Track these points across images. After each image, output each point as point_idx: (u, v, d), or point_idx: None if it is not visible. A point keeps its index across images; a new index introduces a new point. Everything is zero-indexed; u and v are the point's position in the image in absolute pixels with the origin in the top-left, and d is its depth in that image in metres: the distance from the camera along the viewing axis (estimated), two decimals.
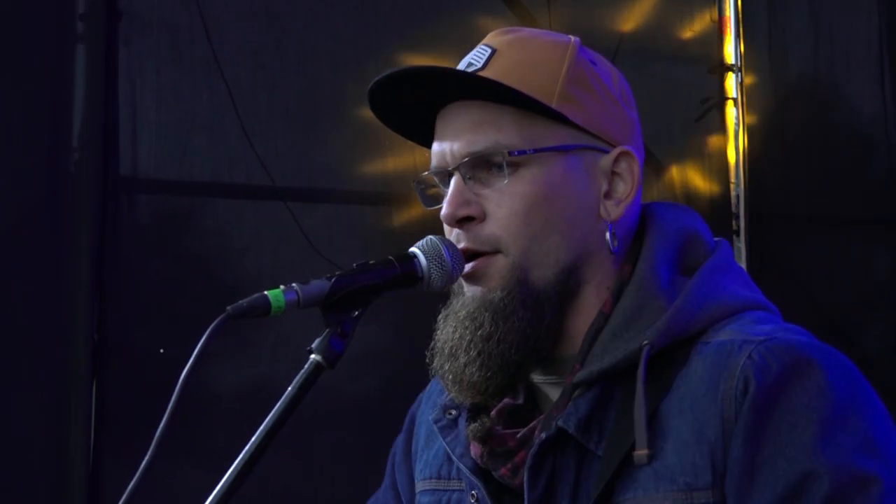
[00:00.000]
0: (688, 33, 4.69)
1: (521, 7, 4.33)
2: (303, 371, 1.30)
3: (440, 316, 1.42)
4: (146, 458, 1.22)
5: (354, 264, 1.34)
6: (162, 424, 1.23)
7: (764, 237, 4.76)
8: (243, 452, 1.26)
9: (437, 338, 1.41)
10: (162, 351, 3.81)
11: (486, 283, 1.37)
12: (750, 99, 4.77)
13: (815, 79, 4.96)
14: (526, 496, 1.34)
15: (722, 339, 1.31)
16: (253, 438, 1.26)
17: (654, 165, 4.53)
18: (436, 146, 1.42)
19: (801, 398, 1.24)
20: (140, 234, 3.97)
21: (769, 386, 1.24)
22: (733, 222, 4.71)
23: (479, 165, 1.38)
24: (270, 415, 1.28)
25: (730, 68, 4.74)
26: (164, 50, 3.94)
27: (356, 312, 1.32)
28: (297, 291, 1.27)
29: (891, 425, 1.30)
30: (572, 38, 1.43)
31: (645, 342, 1.30)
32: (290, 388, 1.29)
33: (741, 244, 4.69)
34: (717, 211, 4.73)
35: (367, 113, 1.47)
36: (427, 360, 1.46)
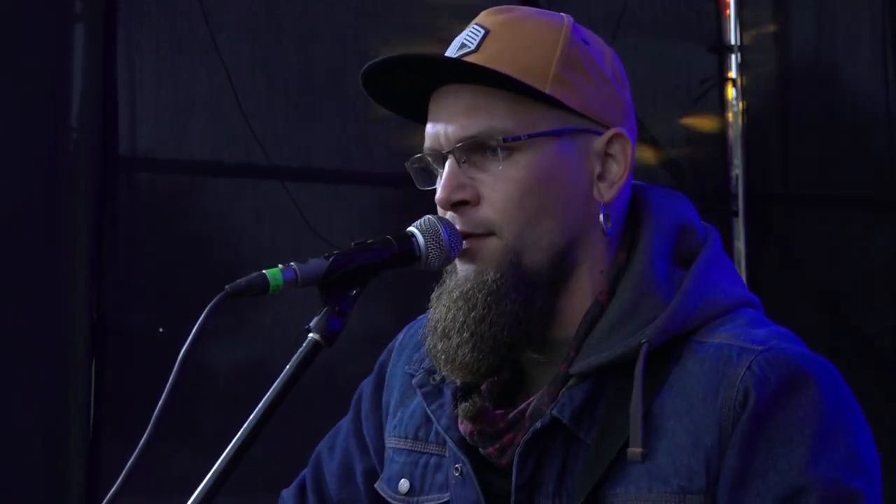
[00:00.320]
0: (688, 13, 4.67)
1: None
2: (301, 349, 1.30)
3: (433, 294, 1.43)
4: (144, 436, 1.23)
5: (352, 243, 1.35)
6: (160, 403, 1.23)
7: (763, 218, 4.76)
8: (241, 431, 1.26)
9: (430, 316, 1.42)
10: (161, 330, 3.82)
11: (479, 262, 1.38)
12: (749, 79, 4.77)
13: (816, 58, 4.95)
14: (514, 478, 1.36)
15: (719, 341, 1.33)
16: (251, 417, 1.27)
17: (653, 145, 4.53)
18: (429, 128, 1.42)
19: (796, 412, 1.27)
20: (139, 213, 3.97)
21: (767, 399, 1.27)
22: (732, 203, 4.71)
23: (474, 149, 1.38)
24: (268, 393, 1.28)
25: (729, 48, 4.74)
26: (163, 30, 3.93)
27: (354, 291, 1.32)
28: (295, 270, 1.27)
29: (871, 438, 1.34)
30: (565, 17, 1.43)
31: (644, 340, 1.31)
32: (288, 367, 1.29)
33: (740, 224, 4.69)
34: (717, 191, 4.73)
35: (365, 93, 1.46)
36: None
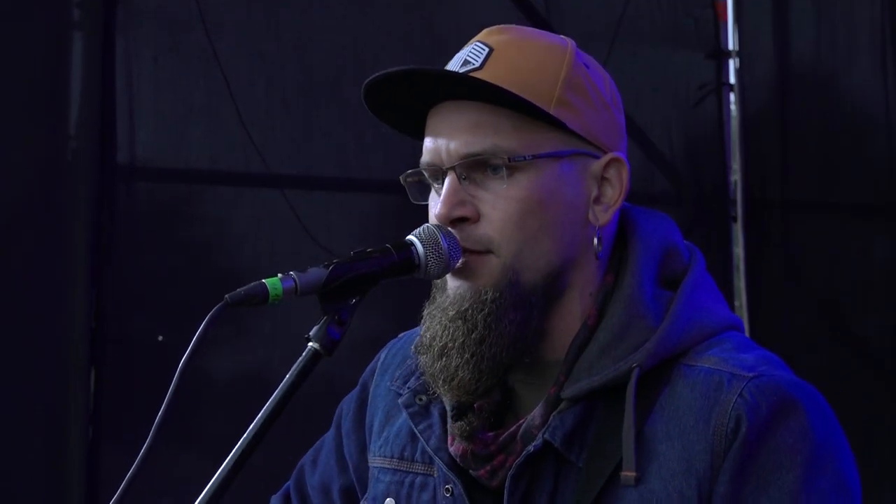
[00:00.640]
0: (686, 19, 4.68)
1: None
2: (300, 359, 1.30)
3: (425, 312, 1.42)
4: (145, 445, 1.23)
5: (352, 252, 1.35)
6: (161, 412, 1.23)
7: (762, 223, 4.76)
8: (241, 440, 1.26)
9: (422, 333, 1.42)
10: (160, 338, 3.82)
11: (476, 279, 1.37)
12: (748, 85, 4.77)
13: (814, 65, 4.95)
14: (506, 501, 1.36)
15: (709, 366, 1.34)
16: (251, 426, 1.27)
17: (650, 152, 4.53)
18: (429, 142, 1.41)
19: (786, 439, 1.29)
20: (137, 221, 3.98)
21: (759, 426, 1.29)
22: (731, 209, 4.72)
23: (476, 167, 1.38)
24: (268, 402, 1.28)
25: (727, 54, 4.74)
26: (161, 38, 3.94)
27: (353, 300, 1.32)
28: (294, 279, 1.27)
29: (854, 464, 1.36)
30: (568, 40, 1.44)
31: (634, 364, 1.32)
32: (287, 376, 1.29)
33: (739, 230, 4.69)
34: (715, 197, 4.73)
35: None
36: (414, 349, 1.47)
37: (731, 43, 4.75)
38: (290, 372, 1.29)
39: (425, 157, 1.42)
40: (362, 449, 1.61)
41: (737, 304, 4.65)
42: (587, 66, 1.42)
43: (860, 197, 5.01)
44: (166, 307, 3.85)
